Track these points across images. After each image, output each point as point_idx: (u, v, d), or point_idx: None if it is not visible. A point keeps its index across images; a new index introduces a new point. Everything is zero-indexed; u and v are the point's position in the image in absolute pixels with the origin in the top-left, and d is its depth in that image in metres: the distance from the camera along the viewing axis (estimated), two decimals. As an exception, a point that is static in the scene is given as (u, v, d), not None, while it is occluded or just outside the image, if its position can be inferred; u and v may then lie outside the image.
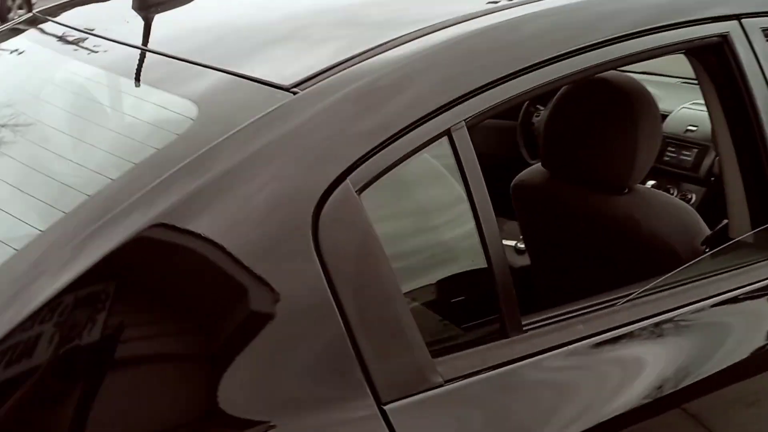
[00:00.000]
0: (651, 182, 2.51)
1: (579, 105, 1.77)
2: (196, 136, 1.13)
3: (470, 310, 1.23)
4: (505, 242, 2.30)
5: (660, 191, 1.81)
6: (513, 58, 1.25)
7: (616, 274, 1.77)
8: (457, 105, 1.18)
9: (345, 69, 1.16)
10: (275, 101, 1.12)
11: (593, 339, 1.24)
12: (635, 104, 1.70)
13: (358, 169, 1.09)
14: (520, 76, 1.24)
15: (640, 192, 1.76)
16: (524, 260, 2.14)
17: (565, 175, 1.84)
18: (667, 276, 1.42)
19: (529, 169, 1.96)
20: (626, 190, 1.75)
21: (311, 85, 1.14)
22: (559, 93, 1.81)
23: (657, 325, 1.34)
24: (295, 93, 1.13)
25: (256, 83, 1.17)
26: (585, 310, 1.28)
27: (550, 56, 1.27)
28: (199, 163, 1.05)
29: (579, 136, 1.77)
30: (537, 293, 2.02)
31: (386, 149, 1.11)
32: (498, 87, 1.22)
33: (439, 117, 1.16)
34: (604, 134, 1.72)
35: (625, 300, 1.34)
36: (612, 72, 1.79)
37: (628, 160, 1.70)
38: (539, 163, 1.90)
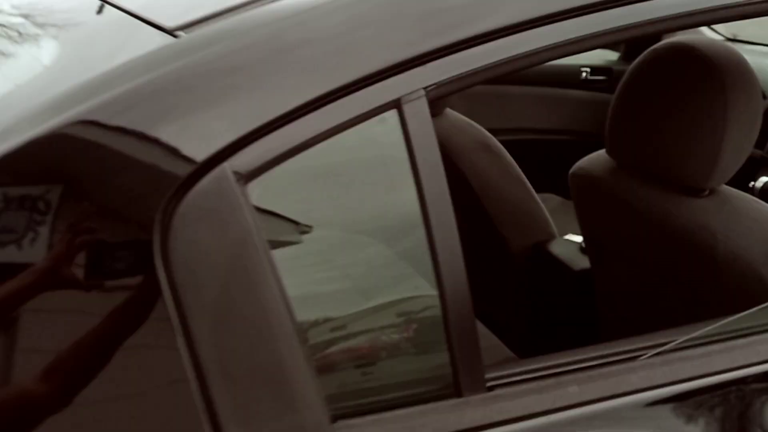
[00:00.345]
0: (765, 179, 2.05)
1: (653, 79, 1.37)
2: (52, 75, 0.85)
3: (407, 354, 0.89)
4: (571, 237, 1.96)
5: (752, 197, 1.38)
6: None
7: (683, 301, 1.38)
8: (415, 66, 0.83)
9: (247, 11, 0.83)
10: (150, 44, 0.81)
11: (591, 407, 0.89)
12: (725, 79, 1.28)
13: (246, 150, 0.77)
14: (530, 28, 0.88)
15: (723, 195, 1.35)
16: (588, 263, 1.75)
17: (631, 167, 1.44)
18: (734, 317, 1.04)
19: (591, 155, 1.57)
20: (706, 192, 1.34)
21: (199, 29, 0.82)
22: (632, 65, 1.41)
23: (705, 391, 0.96)
24: (176, 36, 0.82)
25: (137, 20, 0.87)
26: (590, 362, 0.92)
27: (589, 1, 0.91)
28: (47, 110, 0.76)
29: (650, 119, 1.37)
30: (598, 303, 1.65)
31: (294, 123, 0.78)
32: (491, 43, 0.87)
33: (384, 83, 0.82)
34: (682, 117, 1.31)
35: (657, 350, 0.96)
36: (697, 36, 1.38)
37: (710, 153, 1.29)
38: (603, 150, 1.51)
